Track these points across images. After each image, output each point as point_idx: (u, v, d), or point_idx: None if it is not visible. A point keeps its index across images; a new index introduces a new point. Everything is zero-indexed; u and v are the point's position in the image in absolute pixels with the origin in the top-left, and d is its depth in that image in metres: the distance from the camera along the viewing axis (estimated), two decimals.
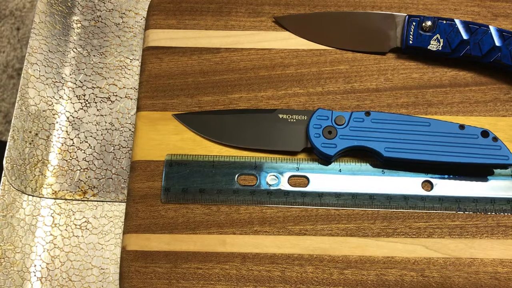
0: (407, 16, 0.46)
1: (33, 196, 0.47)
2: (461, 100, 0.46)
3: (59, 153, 0.48)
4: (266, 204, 0.43)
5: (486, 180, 0.43)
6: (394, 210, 0.42)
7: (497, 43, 0.44)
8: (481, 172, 0.43)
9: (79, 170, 0.48)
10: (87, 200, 0.47)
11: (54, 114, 0.49)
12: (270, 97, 0.47)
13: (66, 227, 0.46)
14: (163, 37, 0.49)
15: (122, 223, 0.46)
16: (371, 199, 0.43)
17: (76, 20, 0.53)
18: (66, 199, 0.47)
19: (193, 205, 0.43)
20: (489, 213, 0.42)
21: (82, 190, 0.47)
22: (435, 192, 0.42)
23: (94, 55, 0.52)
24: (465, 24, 0.45)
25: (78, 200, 0.47)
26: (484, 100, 0.46)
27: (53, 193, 0.47)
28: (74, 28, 0.53)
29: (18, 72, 0.71)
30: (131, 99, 0.50)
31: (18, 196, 0.47)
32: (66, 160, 0.48)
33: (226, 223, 0.42)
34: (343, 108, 0.46)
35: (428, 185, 0.43)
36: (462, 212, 0.42)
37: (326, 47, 0.48)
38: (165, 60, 0.48)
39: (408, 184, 0.43)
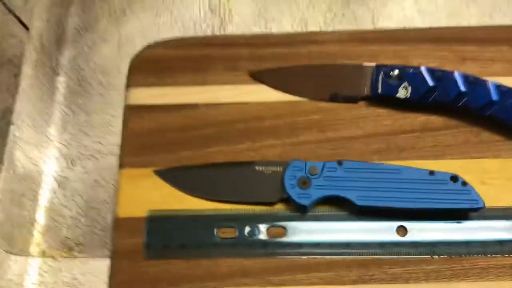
0: (375, 66, 0.48)
1: (21, 255, 0.48)
2: (433, 144, 0.47)
3: (46, 212, 0.50)
4: (246, 256, 0.44)
5: (459, 223, 0.44)
6: (370, 256, 0.43)
7: (463, 88, 0.46)
8: (454, 216, 0.44)
9: (66, 227, 0.49)
10: (73, 257, 0.48)
11: (41, 174, 0.51)
12: (248, 150, 0.48)
13: (54, 284, 0.48)
14: (143, 95, 0.51)
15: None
16: (347, 246, 0.44)
17: (61, 81, 0.55)
18: (53, 257, 0.48)
19: (174, 260, 0.44)
20: (464, 256, 0.43)
21: (68, 247, 0.49)
22: (409, 237, 0.43)
23: (79, 114, 0.54)
24: (431, 71, 0.47)
25: (65, 257, 0.48)
26: (455, 143, 0.47)
27: (41, 252, 0.49)
28: (59, 89, 0.55)
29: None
30: (114, 155, 0.52)
31: (7, 257, 0.48)
32: (53, 219, 0.50)
33: (207, 277, 0.43)
34: (318, 157, 0.47)
35: (402, 230, 0.44)
36: (437, 257, 0.43)
37: (300, 98, 0.50)
38: (146, 118, 0.50)
39: (383, 231, 0.44)
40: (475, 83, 0.46)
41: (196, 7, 0.57)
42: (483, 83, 0.46)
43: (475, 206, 0.42)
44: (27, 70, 0.54)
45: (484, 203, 0.42)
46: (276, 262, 0.44)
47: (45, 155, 0.52)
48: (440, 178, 0.43)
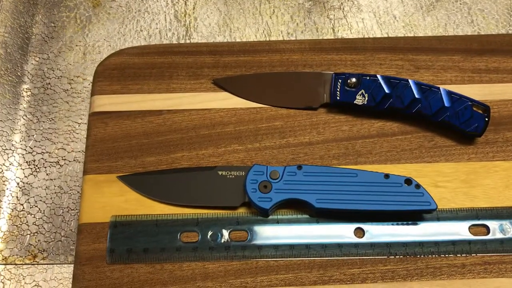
0: (333, 74, 0.50)
1: None
2: (389, 149, 0.49)
3: (9, 219, 0.50)
4: (208, 259, 0.45)
5: (415, 224, 0.46)
6: (329, 258, 0.44)
7: (417, 95, 0.48)
8: (409, 217, 0.46)
9: (29, 234, 0.49)
10: (37, 264, 0.48)
11: (4, 181, 0.51)
12: (211, 155, 0.49)
13: None
14: (108, 102, 0.51)
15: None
16: (307, 248, 0.45)
17: (26, 89, 0.55)
18: (16, 264, 0.48)
19: (137, 264, 0.45)
20: (419, 256, 0.44)
21: (32, 254, 0.49)
22: (367, 238, 0.45)
23: (43, 121, 0.54)
24: (387, 79, 0.49)
25: (28, 264, 0.48)
26: (410, 148, 0.49)
27: (3, 259, 0.48)
28: (24, 96, 0.55)
29: None
30: (79, 162, 0.52)
31: None
32: (16, 225, 0.49)
33: (169, 280, 0.44)
34: (280, 162, 0.48)
35: (360, 232, 0.45)
36: (393, 257, 0.44)
37: (262, 105, 0.51)
38: (110, 124, 0.50)
39: (341, 232, 0.45)
40: (428, 90, 0.48)
41: (162, 16, 0.58)
42: (436, 90, 0.48)
43: (428, 208, 0.44)
44: None
45: (436, 205, 0.44)
46: (238, 265, 0.45)
47: (8, 162, 0.52)
48: (395, 181, 0.45)
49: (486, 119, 0.47)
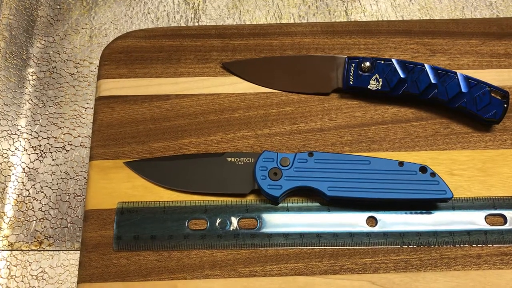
0: (346, 58, 0.48)
1: None
2: (403, 136, 0.47)
3: (15, 205, 0.49)
4: (217, 247, 0.44)
5: (429, 213, 0.44)
6: (340, 247, 0.43)
7: (433, 80, 0.46)
8: (424, 206, 0.44)
9: (35, 220, 0.49)
10: (43, 250, 0.48)
11: (10, 166, 0.50)
12: (220, 141, 0.48)
13: (23, 278, 0.47)
14: (114, 87, 0.50)
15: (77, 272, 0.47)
16: (318, 237, 0.44)
17: (32, 72, 0.54)
18: (22, 250, 0.48)
19: (144, 252, 0.44)
20: (433, 246, 0.43)
21: (38, 240, 0.48)
22: (379, 227, 0.44)
23: (49, 106, 0.53)
24: (402, 63, 0.47)
25: (35, 250, 0.48)
26: (425, 135, 0.47)
27: (9, 245, 0.48)
28: (29, 80, 0.54)
29: None
30: (85, 147, 0.51)
31: None
32: (22, 211, 0.49)
33: (177, 268, 0.43)
34: (290, 149, 0.47)
35: (372, 221, 0.44)
36: (406, 246, 0.43)
37: (272, 90, 0.50)
38: (117, 109, 0.49)
39: (353, 221, 0.44)
40: (445, 75, 0.46)
41: None
42: (453, 75, 0.46)
43: (443, 196, 0.42)
44: None
45: (452, 194, 0.43)
46: (247, 253, 0.44)
47: (14, 147, 0.51)
48: (409, 169, 0.43)
49: (505, 105, 0.46)
